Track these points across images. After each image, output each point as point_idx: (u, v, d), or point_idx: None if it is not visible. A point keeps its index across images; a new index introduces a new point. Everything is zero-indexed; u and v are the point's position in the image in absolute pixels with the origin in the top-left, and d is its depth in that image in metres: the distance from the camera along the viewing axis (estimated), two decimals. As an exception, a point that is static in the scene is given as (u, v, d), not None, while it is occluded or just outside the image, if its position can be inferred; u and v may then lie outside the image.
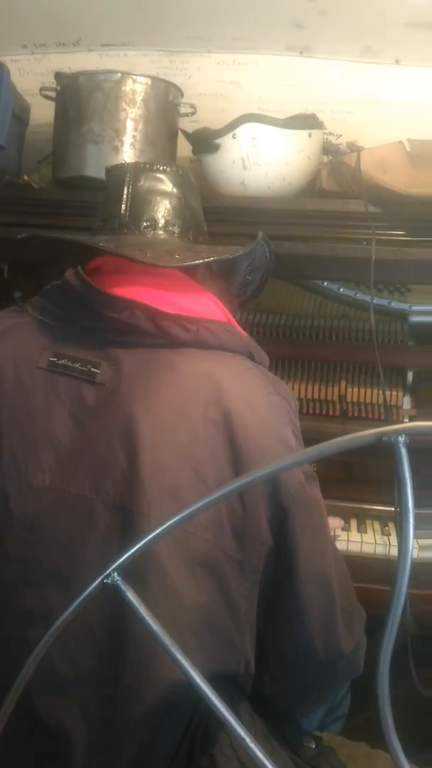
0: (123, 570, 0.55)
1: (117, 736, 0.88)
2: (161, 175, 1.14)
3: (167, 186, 1.14)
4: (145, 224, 1.11)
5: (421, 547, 1.47)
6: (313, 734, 1.12)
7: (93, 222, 1.18)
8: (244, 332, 1.09)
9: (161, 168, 1.15)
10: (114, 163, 1.59)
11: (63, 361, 0.98)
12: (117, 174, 1.16)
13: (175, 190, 1.14)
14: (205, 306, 1.06)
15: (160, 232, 1.11)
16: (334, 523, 1.54)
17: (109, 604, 0.83)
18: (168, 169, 1.15)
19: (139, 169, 1.15)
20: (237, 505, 0.92)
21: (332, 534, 1.53)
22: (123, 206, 1.12)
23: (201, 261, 1.06)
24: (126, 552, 0.55)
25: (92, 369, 0.97)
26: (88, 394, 0.96)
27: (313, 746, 1.04)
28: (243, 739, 0.53)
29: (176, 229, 1.12)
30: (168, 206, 1.13)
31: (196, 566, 0.89)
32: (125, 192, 1.13)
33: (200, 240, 1.16)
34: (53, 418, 0.96)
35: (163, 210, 1.12)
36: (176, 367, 0.97)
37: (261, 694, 1.04)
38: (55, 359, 0.98)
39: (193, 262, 1.05)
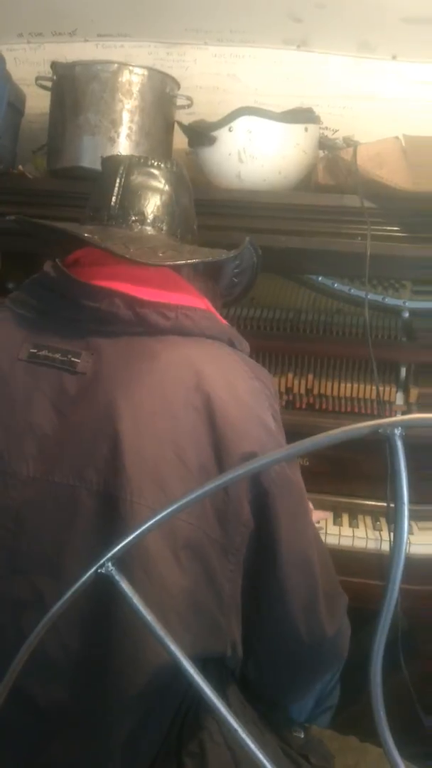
0: (117, 560, 0.55)
1: (108, 720, 0.89)
2: (155, 171, 1.14)
3: (160, 182, 1.14)
4: (133, 218, 1.11)
5: (414, 543, 1.48)
6: (302, 724, 1.13)
7: (83, 211, 1.18)
8: (224, 320, 1.09)
9: (155, 163, 1.15)
10: (110, 154, 1.60)
11: (43, 352, 0.98)
12: (111, 165, 1.17)
13: (167, 186, 1.14)
14: (183, 296, 1.06)
15: (148, 227, 1.12)
16: (321, 514, 1.54)
17: (97, 589, 0.83)
18: (162, 165, 1.16)
19: (133, 163, 1.15)
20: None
21: (317, 525, 1.54)
22: (114, 198, 1.12)
23: (183, 262, 1.05)
24: (120, 542, 0.55)
25: (72, 359, 0.97)
26: (69, 384, 0.96)
27: (302, 735, 1.05)
28: (236, 730, 0.53)
29: (164, 226, 1.13)
30: (158, 202, 1.13)
31: (179, 550, 0.90)
32: (117, 184, 1.13)
33: (188, 239, 1.17)
34: (35, 408, 0.96)
35: (153, 206, 1.12)
36: (156, 354, 0.97)
37: (248, 680, 1.05)
38: (35, 350, 0.99)
39: (175, 263, 1.04)
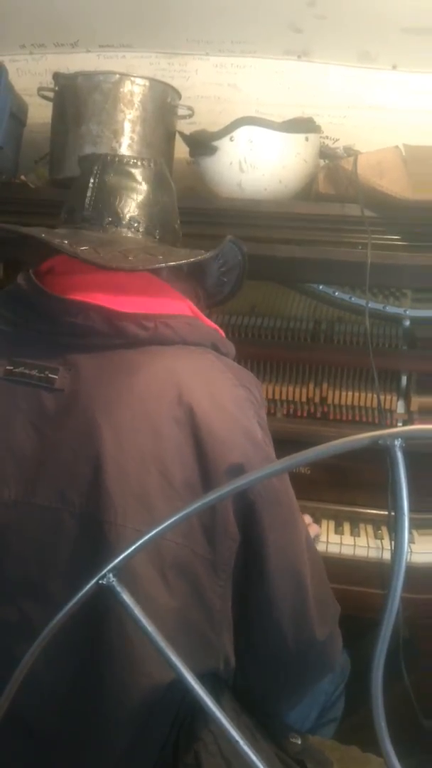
0: (118, 571, 0.55)
1: (102, 739, 0.88)
2: (132, 169, 1.11)
3: (136, 181, 1.10)
4: (108, 219, 1.08)
5: (414, 551, 1.47)
6: (300, 731, 1.12)
7: (60, 213, 1.15)
8: (211, 323, 1.07)
9: (132, 161, 1.12)
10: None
11: (20, 369, 0.95)
12: (87, 164, 1.13)
13: (144, 185, 1.11)
14: (164, 301, 1.03)
15: (123, 229, 1.08)
16: (311, 530, 1.53)
17: (86, 612, 0.81)
18: (140, 162, 1.12)
19: (108, 161, 1.11)
20: None
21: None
22: (87, 199, 1.09)
23: (152, 267, 1.01)
24: (122, 552, 0.55)
25: (50, 375, 0.94)
26: (47, 402, 0.94)
27: (299, 742, 1.03)
28: (237, 742, 0.53)
29: (141, 227, 1.09)
30: (135, 202, 1.09)
31: (167, 570, 0.88)
32: (91, 183, 1.10)
33: (168, 239, 1.12)
34: (14, 428, 0.93)
35: (128, 206, 1.08)
36: (136, 367, 0.95)
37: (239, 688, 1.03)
38: (11, 368, 0.96)
39: (145, 268, 1.00)
